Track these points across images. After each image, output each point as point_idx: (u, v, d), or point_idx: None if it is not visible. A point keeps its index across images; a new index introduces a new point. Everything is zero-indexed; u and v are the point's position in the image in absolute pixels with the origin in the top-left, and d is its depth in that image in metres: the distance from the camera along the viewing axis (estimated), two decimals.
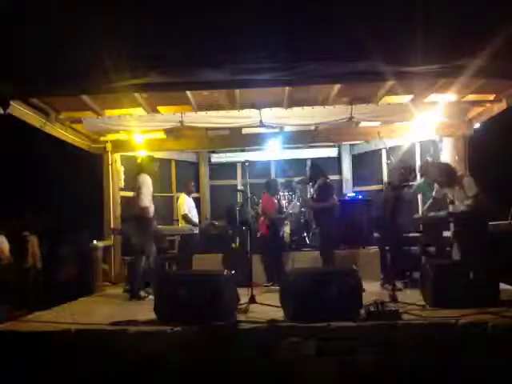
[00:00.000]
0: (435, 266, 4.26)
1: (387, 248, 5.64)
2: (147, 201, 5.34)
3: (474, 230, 4.89)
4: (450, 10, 3.28)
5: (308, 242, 7.10)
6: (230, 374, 3.30)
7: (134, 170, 6.00)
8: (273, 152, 8.31)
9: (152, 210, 5.45)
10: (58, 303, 4.91)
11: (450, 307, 3.73)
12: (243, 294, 4.24)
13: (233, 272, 4.19)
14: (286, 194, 7.46)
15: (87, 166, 7.79)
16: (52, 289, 6.46)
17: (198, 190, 8.79)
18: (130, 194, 7.92)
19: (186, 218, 6.75)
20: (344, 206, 7.01)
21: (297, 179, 7.62)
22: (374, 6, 3.31)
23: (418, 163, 7.32)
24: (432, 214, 5.55)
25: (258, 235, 6.49)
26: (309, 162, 6.55)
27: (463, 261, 4.79)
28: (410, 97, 6.24)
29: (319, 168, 6.41)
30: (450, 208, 5.36)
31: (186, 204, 6.80)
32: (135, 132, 7.03)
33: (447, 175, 5.34)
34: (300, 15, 3.39)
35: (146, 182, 5.42)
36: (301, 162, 8.05)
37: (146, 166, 5.69)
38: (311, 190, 6.24)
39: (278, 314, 3.78)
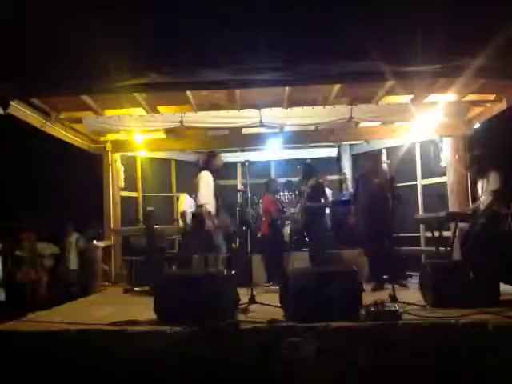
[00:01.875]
0: (435, 266, 4.27)
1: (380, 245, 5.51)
2: (204, 198, 5.25)
3: (483, 230, 4.87)
4: (450, 10, 3.28)
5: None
6: (230, 374, 3.30)
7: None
8: (273, 152, 8.30)
9: (210, 207, 5.30)
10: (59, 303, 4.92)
11: (450, 307, 3.73)
12: (243, 294, 4.23)
13: (233, 272, 4.19)
14: (287, 194, 7.45)
15: (87, 166, 7.79)
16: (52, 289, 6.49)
17: None
18: (131, 193, 8.03)
19: (183, 215, 6.63)
20: (343, 206, 6.99)
21: (296, 180, 7.61)
22: (373, 6, 3.32)
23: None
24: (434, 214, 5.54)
25: (259, 235, 6.49)
26: (299, 166, 6.56)
27: (464, 261, 4.78)
28: (410, 97, 6.24)
29: (311, 168, 6.40)
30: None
31: (185, 203, 6.77)
32: (135, 132, 7.03)
33: (474, 166, 5.21)
34: (300, 15, 3.40)
35: (205, 179, 5.34)
36: (301, 162, 8.04)
37: (207, 162, 5.52)
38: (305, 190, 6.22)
39: (278, 313, 3.78)
